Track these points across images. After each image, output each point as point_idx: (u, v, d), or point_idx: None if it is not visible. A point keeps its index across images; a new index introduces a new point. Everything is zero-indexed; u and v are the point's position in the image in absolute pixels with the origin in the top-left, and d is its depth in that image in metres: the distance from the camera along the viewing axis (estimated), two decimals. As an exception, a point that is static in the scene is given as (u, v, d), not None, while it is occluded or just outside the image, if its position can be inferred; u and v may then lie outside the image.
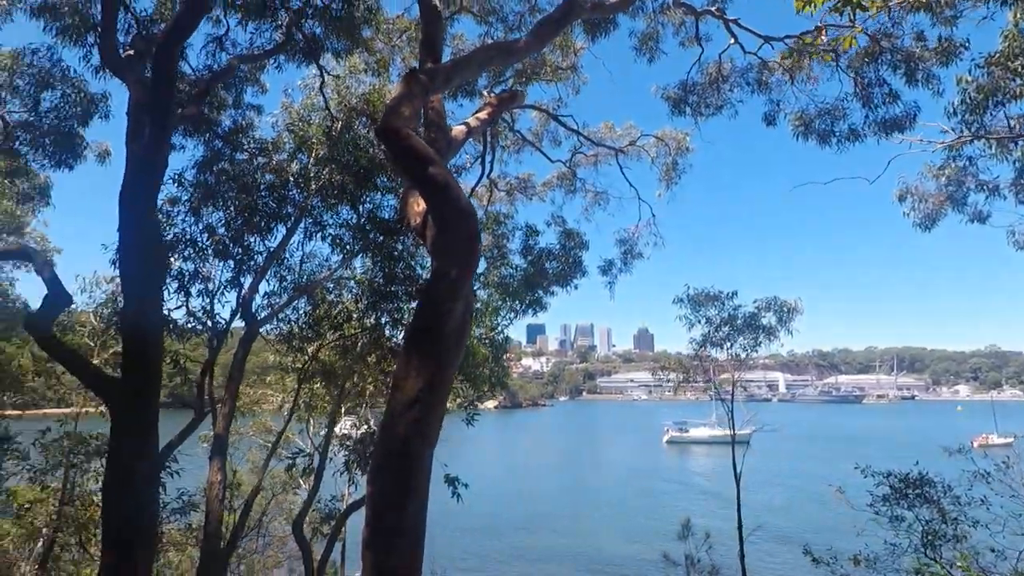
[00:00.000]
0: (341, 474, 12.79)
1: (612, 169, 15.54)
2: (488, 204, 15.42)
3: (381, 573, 5.00)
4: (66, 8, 9.54)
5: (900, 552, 8.69)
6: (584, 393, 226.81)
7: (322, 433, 14.19)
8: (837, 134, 11.10)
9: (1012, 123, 10.19)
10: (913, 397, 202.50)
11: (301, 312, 12.62)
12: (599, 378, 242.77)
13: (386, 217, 11.68)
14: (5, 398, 17.02)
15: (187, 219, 10.77)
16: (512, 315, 14.38)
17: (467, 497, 11.58)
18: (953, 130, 10.63)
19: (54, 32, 9.63)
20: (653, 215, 15.34)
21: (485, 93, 12.12)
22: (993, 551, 8.08)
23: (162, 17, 9.77)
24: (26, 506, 12.46)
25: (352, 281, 13.07)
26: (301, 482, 15.07)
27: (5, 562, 12.43)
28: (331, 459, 13.01)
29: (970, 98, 9.47)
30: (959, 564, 7.03)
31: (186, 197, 10.88)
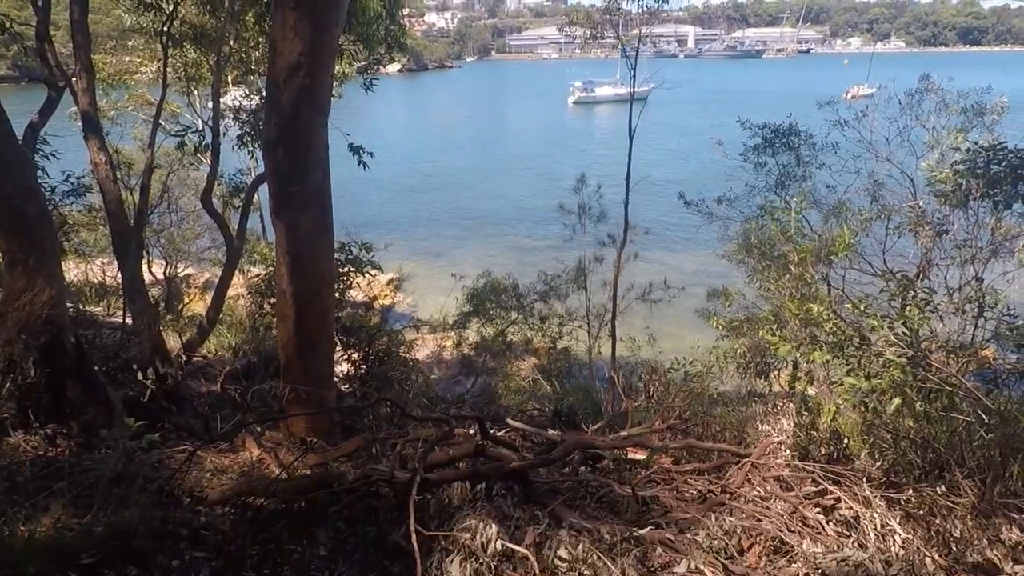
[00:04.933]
0: (237, 148, 12.35)
1: None
2: None
3: (294, 238, 5.36)
4: None
5: (756, 192, 10.07)
6: (493, 52, 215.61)
7: (210, 106, 13.11)
8: None
9: None
10: (809, 51, 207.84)
11: (143, -44, 10.27)
12: (508, 36, 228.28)
13: None
14: None
15: None
16: (405, -40, 12.42)
17: (375, 164, 11.79)
18: None
19: None
20: None
21: None
22: (827, 187, 9.56)
23: None
24: None
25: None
26: (202, 158, 14.54)
27: None
28: (225, 133, 12.36)
29: None
30: (796, 198, 8.36)
31: None
